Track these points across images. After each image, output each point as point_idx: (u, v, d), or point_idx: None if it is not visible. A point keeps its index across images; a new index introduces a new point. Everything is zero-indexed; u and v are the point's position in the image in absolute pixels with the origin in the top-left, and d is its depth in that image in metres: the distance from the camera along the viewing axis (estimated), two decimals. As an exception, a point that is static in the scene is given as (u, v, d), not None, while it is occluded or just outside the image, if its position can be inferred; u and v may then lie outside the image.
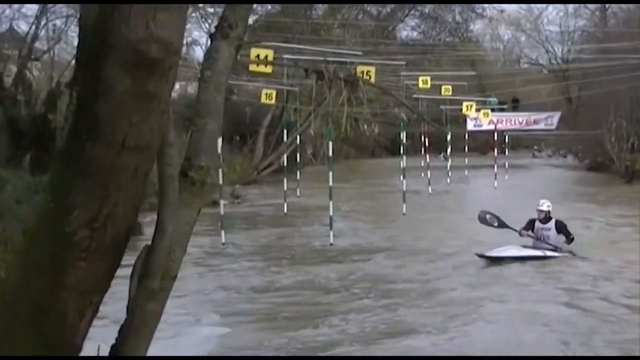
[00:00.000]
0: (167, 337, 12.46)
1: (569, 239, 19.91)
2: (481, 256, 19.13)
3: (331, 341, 13.20)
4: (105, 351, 4.27)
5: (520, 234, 20.15)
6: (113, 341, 4.26)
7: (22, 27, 36.34)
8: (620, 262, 18.63)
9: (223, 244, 21.24)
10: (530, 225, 20.24)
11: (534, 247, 19.92)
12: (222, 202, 21.94)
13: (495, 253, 19.26)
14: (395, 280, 17.30)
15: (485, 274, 17.78)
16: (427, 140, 39.94)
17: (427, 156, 36.85)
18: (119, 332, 4.27)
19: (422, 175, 36.04)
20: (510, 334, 13.03)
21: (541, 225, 20.06)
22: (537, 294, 15.89)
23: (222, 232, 21.32)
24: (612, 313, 14.21)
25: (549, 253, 19.68)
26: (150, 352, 4.44)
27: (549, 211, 20.21)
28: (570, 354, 12.01)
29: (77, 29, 4.29)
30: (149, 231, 4.57)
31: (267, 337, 13.36)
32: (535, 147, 68.67)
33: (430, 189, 34.81)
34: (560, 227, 20.00)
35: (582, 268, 18.29)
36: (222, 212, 21.55)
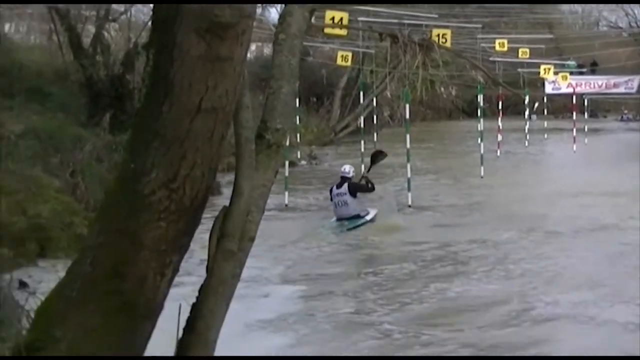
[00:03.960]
0: (253, 295, 12.66)
1: (370, 187, 19.69)
2: None
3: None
4: (186, 310, 4.35)
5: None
6: (194, 300, 4.36)
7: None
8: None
9: (286, 205, 21.26)
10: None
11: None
12: (287, 163, 21.79)
13: None
14: (469, 249, 17.16)
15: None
16: (501, 103, 39.58)
17: (499, 119, 36.48)
18: (199, 291, 4.35)
19: (500, 137, 35.71)
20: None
21: (336, 191, 19.55)
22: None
23: (286, 194, 21.34)
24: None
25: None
26: (235, 311, 4.52)
27: (346, 177, 19.67)
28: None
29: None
30: (227, 191, 4.64)
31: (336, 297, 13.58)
32: (625, 112, 67.05)
33: (499, 152, 34.50)
34: (354, 188, 19.53)
35: None
36: (286, 174, 21.54)
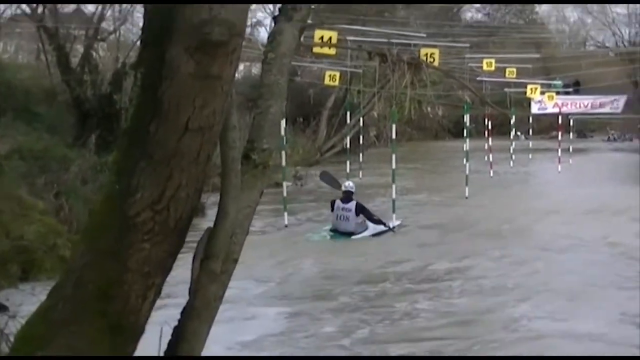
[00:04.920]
0: (235, 317, 12.60)
1: (374, 220, 20.23)
2: None
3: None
4: (167, 333, 4.30)
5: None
6: (175, 323, 4.30)
7: (89, 7, 36.59)
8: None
9: (286, 225, 21.30)
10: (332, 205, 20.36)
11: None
12: (285, 184, 21.96)
13: None
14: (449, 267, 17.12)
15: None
16: (489, 123, 39.68)
17: (489, 139, 36.57)
18: (181, 313, 4.30)
19: (486, 158, 35.79)
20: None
21: (342, 205, 19.98)
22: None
23: (285, 214, 21.42)
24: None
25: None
26: (218, 333, 4.46)
27: (351, 192, 20.20)
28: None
29: (142, 10, 4.30)
30: (211, 212, 4.58)
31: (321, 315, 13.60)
32: (612, 132, 66.99)
33: (491, 172, 34.59)
34: (361, 209, 20.04)
35: None
36: (284, 194, 21.63)
